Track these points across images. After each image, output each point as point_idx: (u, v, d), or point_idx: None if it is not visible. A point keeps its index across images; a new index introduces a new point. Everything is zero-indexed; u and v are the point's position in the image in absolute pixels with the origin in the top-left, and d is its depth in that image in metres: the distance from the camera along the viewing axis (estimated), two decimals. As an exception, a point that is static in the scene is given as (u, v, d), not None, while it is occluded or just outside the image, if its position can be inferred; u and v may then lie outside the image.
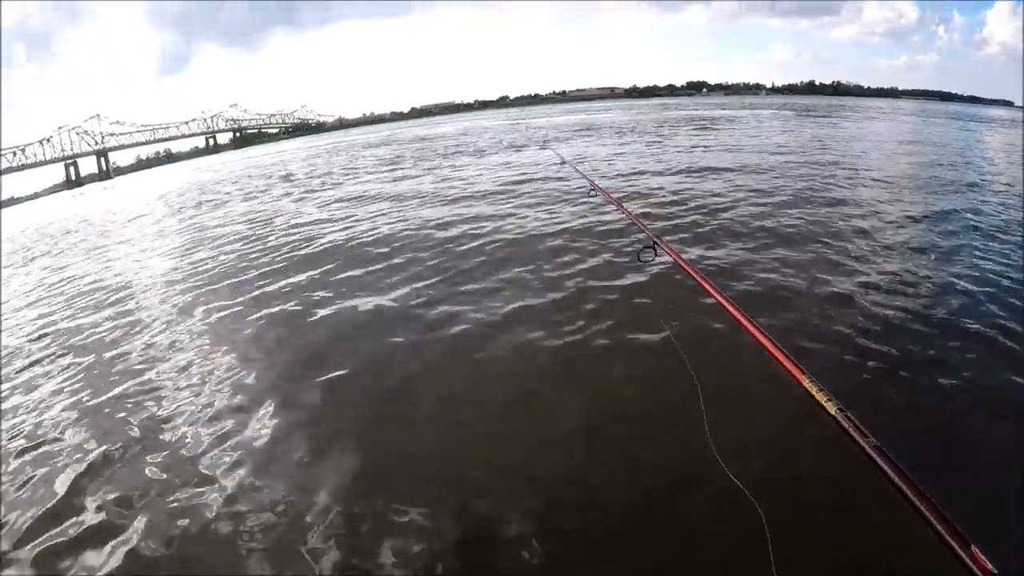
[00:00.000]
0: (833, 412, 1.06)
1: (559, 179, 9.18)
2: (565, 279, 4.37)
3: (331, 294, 4.74)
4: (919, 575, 1.46)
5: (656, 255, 1.97)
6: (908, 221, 5.87)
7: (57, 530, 2.28)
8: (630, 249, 4.53)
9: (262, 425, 2.85)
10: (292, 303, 4.65)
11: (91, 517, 2.33)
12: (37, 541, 2.23)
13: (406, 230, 6.72)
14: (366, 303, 4.37)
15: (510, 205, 7.46)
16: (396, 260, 5.50)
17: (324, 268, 5.58)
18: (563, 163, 9.12)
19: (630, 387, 2.90)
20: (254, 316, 4.50)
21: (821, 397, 1.10)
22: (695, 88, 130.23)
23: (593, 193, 3.48)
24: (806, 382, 1.14)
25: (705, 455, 1.59)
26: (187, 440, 2.81)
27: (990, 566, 0.74)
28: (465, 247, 5.63)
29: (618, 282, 4.19)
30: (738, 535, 1.62)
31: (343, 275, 5.27)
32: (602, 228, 5.72)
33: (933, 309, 3.54)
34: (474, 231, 6.23)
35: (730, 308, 1.41)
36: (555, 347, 3.34)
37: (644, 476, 2.26)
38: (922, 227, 5.62)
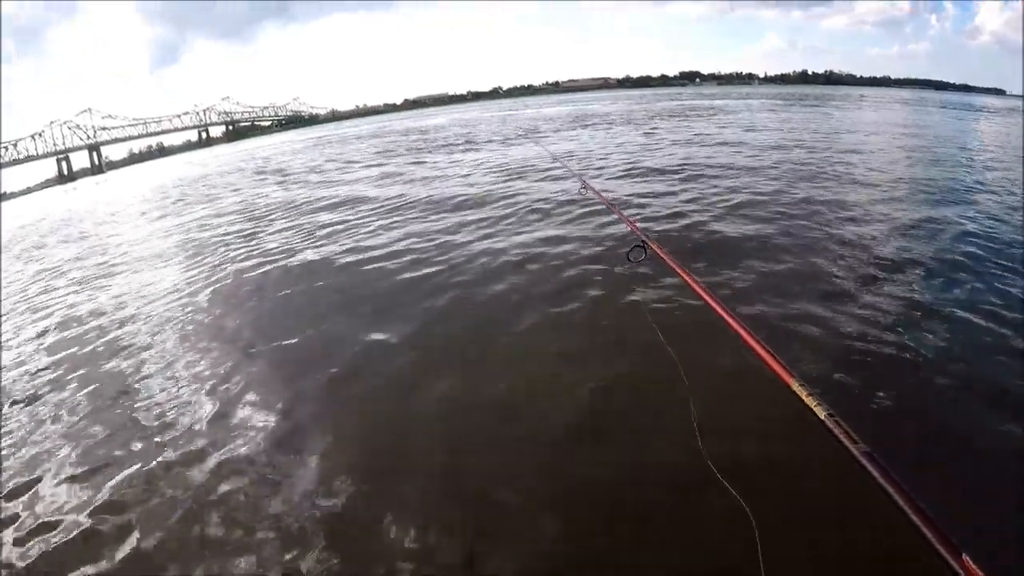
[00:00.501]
0: (823, 417, 1.04)
1: (551, 177, 9.11)
2: (561, 282, 4.36)
3: (328, 309, 4.55)
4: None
5: (646, 254, 1.95)
6: (907, 223, 5.71)
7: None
8: (622, 249, 4.48)
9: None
10: (289, 317, 4.49)
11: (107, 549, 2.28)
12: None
13: (400, 236, 6.55)
14: (366, 324, 4.10)
15: (503, 207, 7.34)
16: (390, 268, 5.37)
17: (318, 280, 5.38)
18: (554, 160, 9.05)
19: (621, 391, 2.89)
20: (250, 330, 4.34)
21: (811, 401, 1.08)
22: (688, 78, 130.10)
23: (584, 191, 3.46)
24: (795, 386, 1.12)
25: (695, 459, 1.58)
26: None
27: (981, 575, 0.73)
28: (460, 251, 5.55)
29: (611, 283, 4.19)
30: (728, 538, 1.62)
31: (339, 287, 5.09)
32: (593, 228, 5.68)
33: (929, 315, 3.50)
34: (470, 235, 6.16)
35: (719, 309, 1.39)
36: (551, 351, 3.35)
37: (634, 479, 2.26)
38: (922, 230, 5.45)
